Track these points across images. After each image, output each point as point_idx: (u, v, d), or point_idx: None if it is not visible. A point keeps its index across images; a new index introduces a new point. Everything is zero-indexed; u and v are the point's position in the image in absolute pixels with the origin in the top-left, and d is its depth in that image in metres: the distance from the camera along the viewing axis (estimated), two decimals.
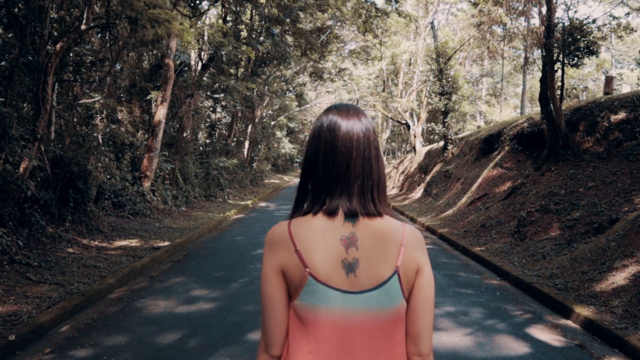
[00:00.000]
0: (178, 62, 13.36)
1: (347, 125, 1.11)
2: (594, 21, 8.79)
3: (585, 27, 8.66)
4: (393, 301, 1.05)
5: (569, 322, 4.63)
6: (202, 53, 15.49)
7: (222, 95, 16.29)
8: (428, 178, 16.91)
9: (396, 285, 1.05)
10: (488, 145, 13.45)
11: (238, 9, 17.36)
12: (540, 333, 4.31)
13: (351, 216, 1.07)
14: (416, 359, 1.09)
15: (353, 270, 1.05)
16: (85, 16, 7.09)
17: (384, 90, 24.58)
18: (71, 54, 8.38)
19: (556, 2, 9.44)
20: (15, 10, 6.75)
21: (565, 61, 8.92)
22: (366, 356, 1.04)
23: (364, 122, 1.13)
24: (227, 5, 15.85)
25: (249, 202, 15.94)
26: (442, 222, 10.98)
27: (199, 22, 14.31)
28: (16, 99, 6.93)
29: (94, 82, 9.71)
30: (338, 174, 1.09)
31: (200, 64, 15.61)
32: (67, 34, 6.90)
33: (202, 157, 16.59)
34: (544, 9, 9.24)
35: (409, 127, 22.26)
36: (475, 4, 14.61)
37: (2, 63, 6.71)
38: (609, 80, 13.52)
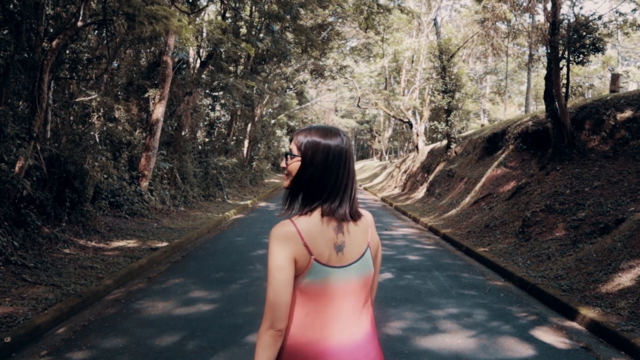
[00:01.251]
0: (176, 60, 13.36)
1: (334, 144, 1.46)
2: (599, 17, 8.77)
3: (590, 23, 8.65)
4: (368, 268, 1.50)
5: (575, 324, 4.63)
6: (201, 50, 15.49)
7: (221, 93, 16.29)
8: (431, 177, 16.90)
9: (369, 255, 1.51)
10: (492, 144, 13.44)
11: (237, 5, 17.36)
12: (545, 335, 4.31)
13: (342, 216, 1.46)
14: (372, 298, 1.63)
15: (342, 249, 1.45)
16: (81, 12, 7.08)
17: (386, 88, 24.58)
18: (67, 51, 8.38)
19: None
20: (11, 6, 6.75)
21: (571, 58, 8.90)
22: (348, 310, 1.46)
23: (344, 141, 1.48)
24: (226, 2, 15.85)
25: (249, 202, 15.95)
26: (445, 222, 10.98)
27: (197, 18, 14.30)
28: (11, 97, 6.94)
29: (91, 80, 9.70)
30: (330, 184, 1.45)
31: (198, 61, 15.60)
32: (64, 30, 6.90)
33: (201, 156, 16.59)
34: (549, 5, 9.23)
35: (411, 125, 22.25)
36: (478, 0, 14.60)
37: None
38: (615, 78, 13.51)
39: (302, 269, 1.41)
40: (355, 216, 1.48)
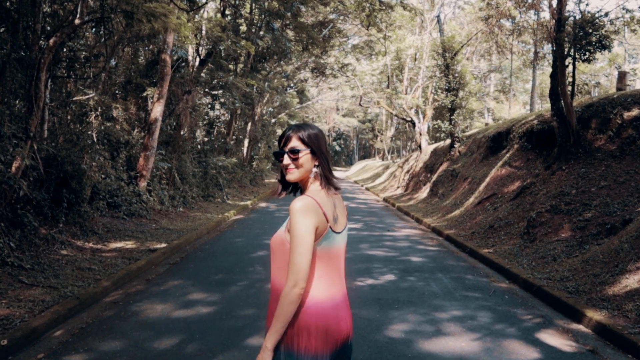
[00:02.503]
0: (175, 58, 13.36)
1: (322, 131, 1.92)
2: (606, 14, 8.76)
3: (597, 20, 8.64)
4: (346, 233, 1.94)
5: (581, 327, 4.62)
6: (200, 48, 15.50)
7: (220, 91, 16.30)
8: (434, 177, 16.90)
9: (346, 227, 1.94)
10: (496, 144, 13.43)
11: (237, 2, 17.37)
12: (551, 338, 4.30)
13: (337, 190, 1.87)
14: None
15: (337, 221, 1.85)
16: (79, 10, 7.10)
17: (388, 87, 24.58)
18: (65, 50, 8.39)
19: None
20: (7, 4, 6.77)
21: (577, 56, 8.89)
22: (340, 269, 1.88)
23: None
24: None
25: (249, 202, 15.96)
26: (448, 223, 10.97)
27: (196, 16, 14.31)
28: (8, 95, 6.95)
29: (88, 79, 9.72)
30: (329, 163, 1.89)
31: (198, 59, 15.61)
32: (61, 28, 6.91)
33: (200, 156, 16.60)
34: (555, 2, 9.22)
35: (414, 124, 22.24)
36: None
37: None
38: (622, 76, 13.49)
39: (320, 235, 1.76)
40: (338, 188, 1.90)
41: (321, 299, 1.78)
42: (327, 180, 1.85)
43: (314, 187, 1.85)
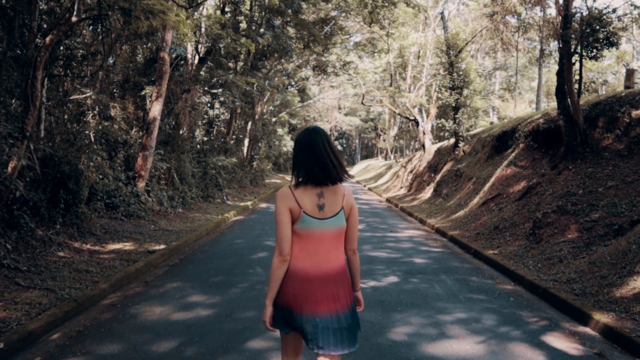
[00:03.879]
0: (174, 56, 13.38)
1: (301, 138, 2.38)
2: (614, 11, 8.74)
3: (604, 17, 8.62)
4: (341, 222, 2.36)
5: (588, 330, 4.62)
6: (199, 46, 15.52)
7: (220, 90, 16.31)
8: (438, 177, 16.89)
9: (342, 214, 2.36)
10: (501, 143, 13.42)
11: None
12: (557, 341, 4.30)
13: (322, 185, 2.33)
14: (350, 252, 2.49)
15: (322, 209, 2.32)
16: (76, 7, 7.11)
17: (391, 85, 24.57)
18: (61, 48, 8.41)
19: None
20: (3, 1, 6.79)
21: (584, 53, 8.88)
22: (329, 248, 2.34)
23: (312, 136, 2.35)
24: None
25: (249, 203, 15.97)
26: (452, 223, 10.97)
27: (195, 13, 14.33)
28: (4, 95, 6.97)
29: (86, 77, 9.74)
30: (314, 165, 2.31)
31: (197, 57, 15.64)
32: (57, 26, 6.93)
33: (200, 156, 16.62)
34: None
35: (417, 123, 22.23)
36: None
37: None
38: (630, 74, 13.46)
39: (296, 218, 2.30)
40: (332, 182, 2.34)
41: (296, 269, 2.32)
42: (301, 179, 2.35)
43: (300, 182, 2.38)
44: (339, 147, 72.04)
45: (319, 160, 2.28)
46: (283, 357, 2.51)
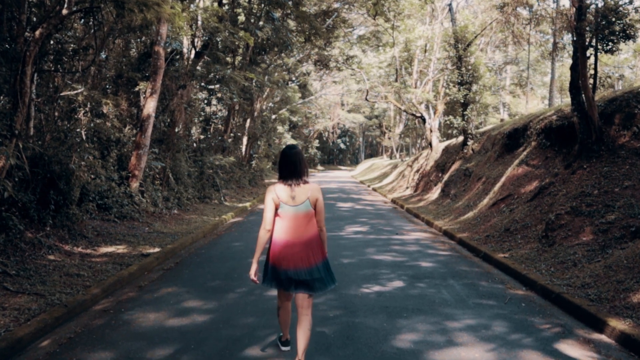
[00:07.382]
0: (169, 50, 13.41)
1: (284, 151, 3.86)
2: (630, 2, 8.72)
3: (621, 8, 8.60)
4: (308, 208, 3.74)
5: (603, 337, 4.61)
6: (196, 40, 15.53)
7: (217, 86, 16.34)
8: (446, 177, 16.88)
9: (308, 203, 3.74)
10: (512, 141, 13.40)
11: None
12: (571, 349, 4.30)
13: (292, 183, 3.75)
14: (318, 229, 3.83)
15: (294, 198, 3.71)
16: None
17: (396, 80, 24.54)
18: (52, 42, 8.42)
19: None
20: None
21: (599, 47, 8.85)
22: (300, 224, 3.73)
23: (297, 149, 3.87)
24: None
25: (248, 204, 15.99)
26: (461, 225, 10.96)
27: (191, 5, 14.36)
28: None
29: (77, 73, 9.76)
30: (286, 169, 3.80)
31: (193, 51, 15.65)
32: (47, 19, 6.94)
33: (196, 155, 16.65)
34: None
35: (424, 120, 22.20)
36: None
37: None
38: None
39: (278, 205, 3.69)
40: (299, 182, 3.73)
41: (279, 239, 3.70)
42: (280, 178, 3.78)
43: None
44: (342, 146, 72.18)
45: (288, 166, 3.72)
46: (278, 302, 3.97)
